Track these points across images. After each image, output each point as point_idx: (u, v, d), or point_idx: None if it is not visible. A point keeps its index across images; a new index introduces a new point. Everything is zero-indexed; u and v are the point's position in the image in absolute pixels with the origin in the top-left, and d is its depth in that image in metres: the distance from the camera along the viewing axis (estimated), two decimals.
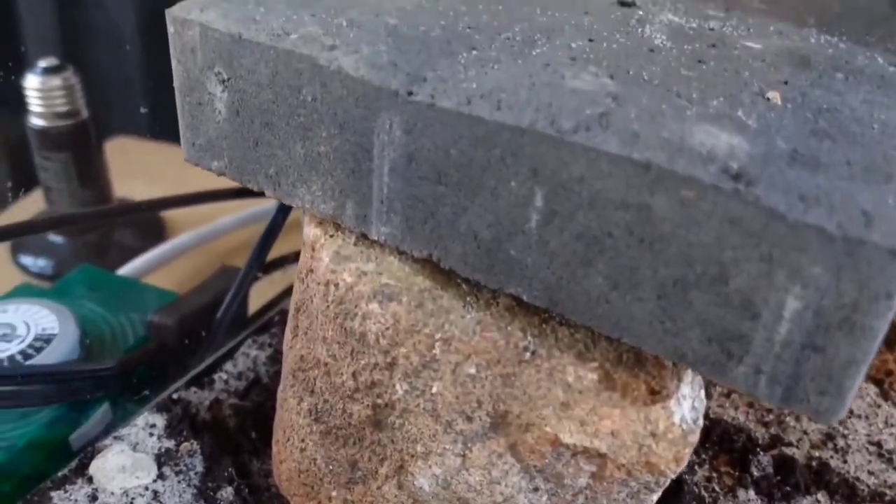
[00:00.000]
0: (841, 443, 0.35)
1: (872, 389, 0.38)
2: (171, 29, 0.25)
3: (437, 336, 0.23)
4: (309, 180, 0.25)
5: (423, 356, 0.23)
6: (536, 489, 0.25)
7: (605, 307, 0.21)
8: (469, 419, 0.24)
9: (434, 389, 0.24)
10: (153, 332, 0.35)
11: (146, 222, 0.48)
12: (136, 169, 0.57)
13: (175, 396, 0.32)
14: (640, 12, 0.28)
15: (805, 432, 0.36)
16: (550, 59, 0.23)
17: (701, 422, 0.23)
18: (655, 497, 0.24)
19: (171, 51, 0.25)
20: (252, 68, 0.24)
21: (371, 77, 0.22)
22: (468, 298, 0.24)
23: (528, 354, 0.23)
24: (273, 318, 0.37)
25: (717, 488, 0.33)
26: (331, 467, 0.28)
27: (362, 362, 0.25)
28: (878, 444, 0.35)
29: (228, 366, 0.35)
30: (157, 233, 0.47)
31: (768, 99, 0.22)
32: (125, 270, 0.41)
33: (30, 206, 0.52)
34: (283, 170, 0.25)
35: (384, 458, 0.26)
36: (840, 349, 0.18)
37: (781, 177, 0.18)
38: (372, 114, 0.22)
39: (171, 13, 0.25)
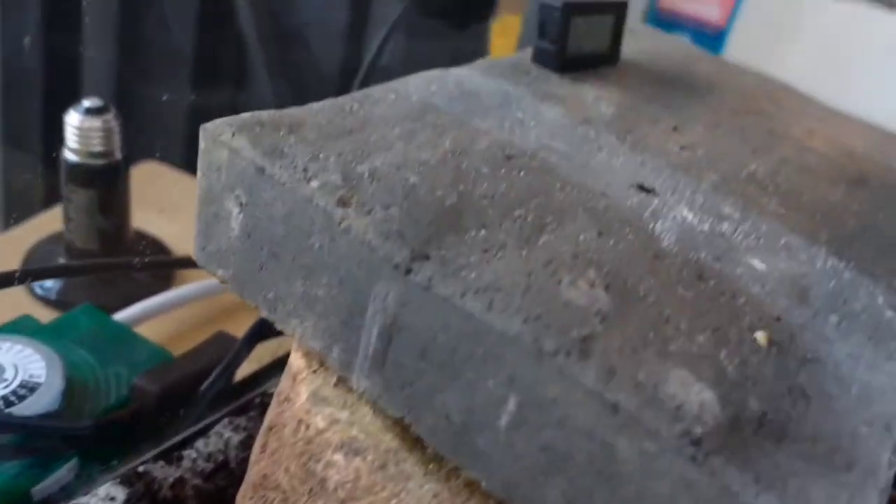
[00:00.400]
0: None
1: None
2: (202, 144, 0.26)
3: (392, 501, 0.23)
4: (303, 315, 0.25)
5: None
6: None
7: None
8: None
9: None
10: (136, 396, 0.36)
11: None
12: (159, 199, 0.58)
13: (140, 469, 0.33)
14: (657, 201, 0.28)
15: None
16: (554, 254, 0.23)
17: None
18: None
19: (199, 162, 0.26)
20: (270, 202, 0.25)
21: (377, 245, 0.22)
22: (430, 466, 0.24)
23: None
24: (254, 401, 0.38)
25: None
26: None
27: (318, 503, 0.25)
28: None
29: (200, 443, 0.35)
30: (167, 276, 0.48)
31: (755, 339, 0.22)
32: (123, 315, 0.42)
33: (53, 219, 0.54)
34: (282, 299, 0.26)
35: None
36: None
37: (743, 450, 0.18)
38: (371, 279, 0.23)
39: (206, 130, 0.26)
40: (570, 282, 0.22)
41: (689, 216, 0.28)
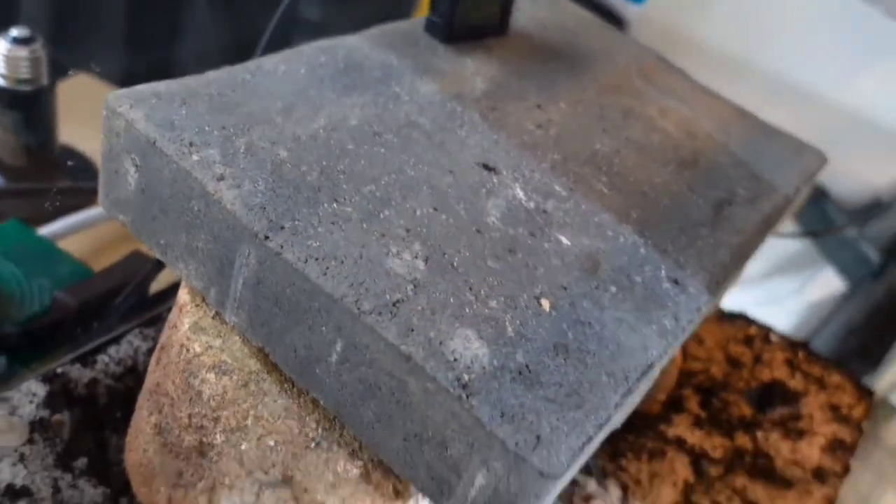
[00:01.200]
0: None
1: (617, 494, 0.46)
2: (104, 112, 0.30)
3: (251, 412, 0.30)
4: (187, 261, 0.31)
5: (238, 422, 0.30)
6: None
7: (371, 432, 0.28)
8: (265, 472, 0.31)
9: (243, 447, 0.31)
10: (57, 308, 0.41)
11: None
12: (92, 115, 0.61)
13: (59, 370, 0.39)
14: (495, 180, 0.34)
15: None
16: (389, 227, 0.29)
17: None
18: None
19: (102, 126, 0.31)
20: (159, 168, 0.29)
21: (241, 216, 0.28)
22: (285, 385, 0.30)
23: (313, 444, 0.29)
24: (162, 314, 0.43)
25: None
26: (163, 470, 0.34)
27: (196, 409, 0.31)
28: None
29: (112, 350, 0.41)
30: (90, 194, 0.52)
31: (540, 304, 0.29)
32: (48, 230, 0.47)
33: None
34: (170, 245, 0.31)
35: (202, 477, 0.33)
36: None
37: (498, 393, 0.25)
38: (237, 240, 0.28)
39: (108, 102, 0.30)
40: (396, 253, 0.28)
41: (521, 195, 0.34)
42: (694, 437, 0.52)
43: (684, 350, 0.58)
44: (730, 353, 0.61)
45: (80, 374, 0.39)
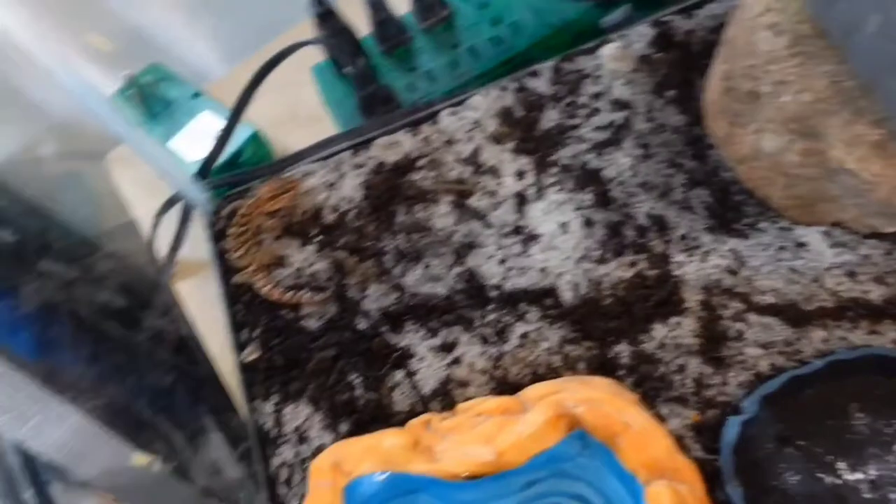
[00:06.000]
0: None
1: None
2: None
3: (796, 70, 0.36)
4: None
5: (784, 77, 0.37)
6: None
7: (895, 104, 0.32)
8: (799, 123, 0.38)
9: (784, 98, 0.38)
10: None
11: None
12: None
13: (665, 19, 0.49)
14: None
15: None
16: None
17: None
18: None
19: None
20: None
21: None
22: (829, 51, 0.35)
23: (839, 106, 0.35)
24: None
25: None
26: (726, 108, 0.44)
27: (753, 62, 0.39)
28: None
29: (714, 5, 0.49)
30: None
31: None
32: None
33: None
34: None
35: (753, 120, 0.41)
36: None
37: None
38: None
39: None
40: None
41: None
42: None
43: None
44: None
45: (681, 24, 0.49)
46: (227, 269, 0.45)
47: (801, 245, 0.41)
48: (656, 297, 0.41)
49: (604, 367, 0.40)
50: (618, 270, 0.42)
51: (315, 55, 0.55)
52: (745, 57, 0.39)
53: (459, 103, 0.50)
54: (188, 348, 0.43)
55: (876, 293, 0.39)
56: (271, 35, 0.64)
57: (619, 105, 0.48)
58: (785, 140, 0.39)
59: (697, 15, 0.49)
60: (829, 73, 0.35)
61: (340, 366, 0.41)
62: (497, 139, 0.48)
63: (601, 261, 0.43)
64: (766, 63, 0.38)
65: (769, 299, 0.40)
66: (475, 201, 0.46)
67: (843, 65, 0.35)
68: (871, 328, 0.38)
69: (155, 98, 0.57)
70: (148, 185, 0.46)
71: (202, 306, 0.42)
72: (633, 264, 0.42)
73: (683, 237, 0.43)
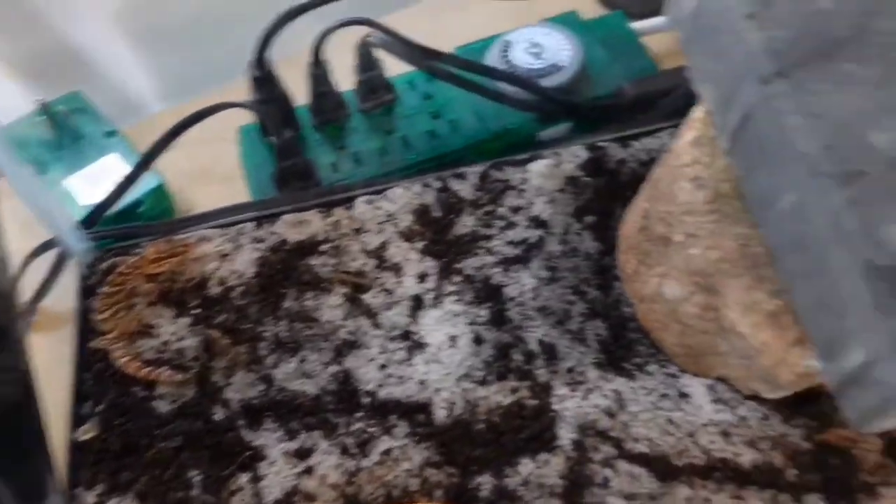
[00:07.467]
0: None
1: None
2: None
3: (713, 226, 0.35)
4: (706, 84, 0.35)
5: (696, 230, 0.36)
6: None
7: (790, 281, 0.30)
8: (701, 278, 0.36)
9: (692, 251, 0.36)
10: (618, 95, 0.50)
11: None
12: None
13: (600, 144, 0.48)
14: None
15: None
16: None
17: None
18: None
19: None
20: None
21: (755, 55, 0.31)
22: (744, 215, 0.34)
23: (746, 271, 0.33)
24: None
25: None
26: (637, 246, 0.42)
27: (670, 208, 0.37)
28: None
29: (647, 139, 0.48)
30: None
31: None
32: (638, 25, 0.54)
33: None
34: (698, 68, 0.36)
35: (659, 263, 0.40)
36: None
37: None
38: (744, 76, 0.31)
39: None
40: (888, 128, 0.28)
41: None
42: None
43: None
44: None
45: (615, 152, 0.48)
46: (87, 330, 0.41)
47: (683, 395, 0.40)
48: (530, 429, 0.38)
49: (461, 497, 0.37)
50: (498, 395, 0.40)
51: (248, 114, 0.53)
52: (664, 201, 0.38)
53: (378, 192, 0.48)
54: (18, 413, 0.38)
55: (746, 457, 0.37)
56: (215, 82, 0.62)
57: (537, 223, 0.46)
58: (686, 290, 0.38)
59: (633, 146, 0.49)
60: (741, 236, 0.34)
61: (182, 459, 0.37)
62: (408, 236, 0.46)
63: (483, 382, 0.40)
64: (682, 213, 0.37)
65: (642, 448, 0.38)
66: (370, 297, 0.43)
67: (754, 229, 0.34)
68: (735, 493, 0.37)
69: (66, 129, 0.54)
70: (26, 222, 0.43)
71: (50, 366, 0.37)
72: (514, 391, 0.40)
73: (570, 370, 0.41)
